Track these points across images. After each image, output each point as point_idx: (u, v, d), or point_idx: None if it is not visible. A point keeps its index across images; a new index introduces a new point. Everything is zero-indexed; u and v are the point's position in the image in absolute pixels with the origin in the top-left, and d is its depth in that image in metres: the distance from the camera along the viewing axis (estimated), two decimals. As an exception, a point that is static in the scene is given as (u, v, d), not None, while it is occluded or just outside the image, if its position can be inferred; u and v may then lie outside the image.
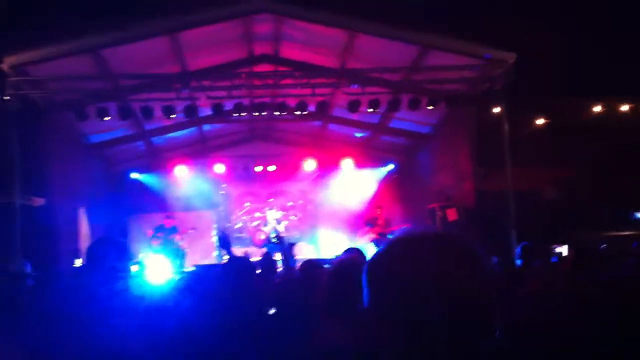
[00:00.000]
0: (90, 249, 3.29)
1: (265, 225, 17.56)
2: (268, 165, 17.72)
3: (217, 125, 16.76)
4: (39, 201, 13.17)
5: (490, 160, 12.87)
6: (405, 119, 15.17)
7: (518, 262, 6.96)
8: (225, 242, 5.89)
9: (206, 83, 12.52)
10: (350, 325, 2.58)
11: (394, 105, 12.83)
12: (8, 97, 11.31)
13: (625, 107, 12.84)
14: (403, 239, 1.39)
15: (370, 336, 1.38)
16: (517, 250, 7.12)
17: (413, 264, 1.30)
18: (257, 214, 18.01)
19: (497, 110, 12.58)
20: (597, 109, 12.75)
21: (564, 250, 10.62)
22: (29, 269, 7.14)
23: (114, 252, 3.22)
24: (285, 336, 3.14)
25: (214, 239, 17.37)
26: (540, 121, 13.43)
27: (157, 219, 15.98)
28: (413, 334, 1.27)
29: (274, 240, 15.56)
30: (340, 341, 2.54)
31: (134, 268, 7.70)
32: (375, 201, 17.45)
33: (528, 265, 6.64)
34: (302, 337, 2.77)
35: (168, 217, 15.65)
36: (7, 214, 11.37)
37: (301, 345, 2.67)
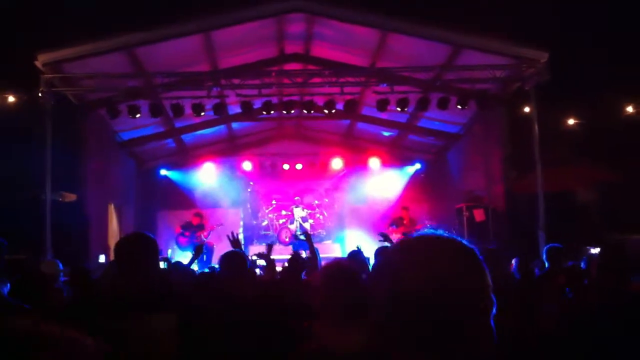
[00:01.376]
0: (122, 245, 3.31)
1: (291, 223, 17.61)
2: (295, 164, 17.76)
3: (246, 124, 16.83)
4: (71, 197, 13.35)
5: (521, 161, 12.73)
6: (434, 119, 15.10)
7: (546, 265, 6.87)
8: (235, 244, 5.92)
9: (236, 81, 12.58)
10: (344, 326, 2.59)
11: (423, 105, 12.77)
12: (41, 94, 11.50)
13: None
14: (406, 242, 1.44)
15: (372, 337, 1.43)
16: (543, 252, 7.01)
17: (413, 265, 1.33)
18: (284, 212, 18.04)
19: (528, 110, 12.44)
20: (631, 109, 12.54)
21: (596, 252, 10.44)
22: (60, 266, 7.25)
23: (143, 247, 3.24)
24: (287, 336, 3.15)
25: (240, 236, 17.45)
26: (572, 121, 13.23)
27: (186, 215, 16.11)
28: (410, 332, 1.30)
29: (301, 237, 15.58)
30: (335, 343, 2.55)
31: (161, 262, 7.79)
32: (402, 201, 17.37)
33: (554, 268, 6.55)
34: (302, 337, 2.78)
35: (196, 214, 15.78)
36: (39, 209, 11.55)
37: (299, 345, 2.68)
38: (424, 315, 1.29)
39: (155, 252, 3.29)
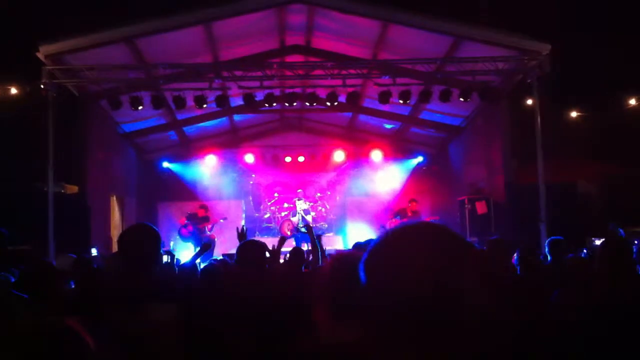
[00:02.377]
0: (126, 236, 3.31)
1: (293, 215, 17.61)
2: (298, 156, 17.78)
3: (248, 116, 16.83)
4: (73, 189, 13.35)
5: (523, 153, 12.72)
6: (436, 111, 15.07)
7: (549, 257, 6.86)
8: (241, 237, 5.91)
9: (238, 73, 12.56)
10: (349, 319, 2.57)
11: (425, 97, 12.74)
12: (42, 86, 11.48)
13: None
14: (395, 230, 1.42)
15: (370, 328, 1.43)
16: (545, 245, 7.00)
17: (402, 253, 1.33)
18: (286, 204, 18.05)
19: (530, 102, 12.41)
20: (634, 101, 12.51)
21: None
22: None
23: (147, 239, 3.24)
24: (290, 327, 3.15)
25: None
26: (575, 114, 13.21)
27: (187, 207, 16.13)
28: (403, 317, 1.30)
29: (302, 229, 15.62)
30: (334, 336, 2.54)
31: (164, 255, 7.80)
32: (404, 193, 17.38)
33: (557, 260, 6.53)
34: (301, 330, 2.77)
35: (202, 206, 15.79)
36: (41, 201, 11.56)
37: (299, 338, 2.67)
38: (420, 308, 1.28)
39: (158, 244, 3.29)
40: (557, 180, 12.73)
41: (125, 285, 3.16)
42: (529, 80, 12.14)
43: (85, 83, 12.49)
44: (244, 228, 6.03)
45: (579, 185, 13.43)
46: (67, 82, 12.07)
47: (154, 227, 3.32)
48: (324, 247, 6.52)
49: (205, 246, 6.75)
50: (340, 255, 3.02)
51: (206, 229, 15.19)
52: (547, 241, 7.00)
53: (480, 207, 13.96)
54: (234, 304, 3.83)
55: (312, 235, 6.27)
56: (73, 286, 5.53)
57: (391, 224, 15.31)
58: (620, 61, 13.17)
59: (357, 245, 6.57)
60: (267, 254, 5.89)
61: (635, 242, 8.09)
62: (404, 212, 15.39)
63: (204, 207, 15.74)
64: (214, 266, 5.53)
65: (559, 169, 12.89)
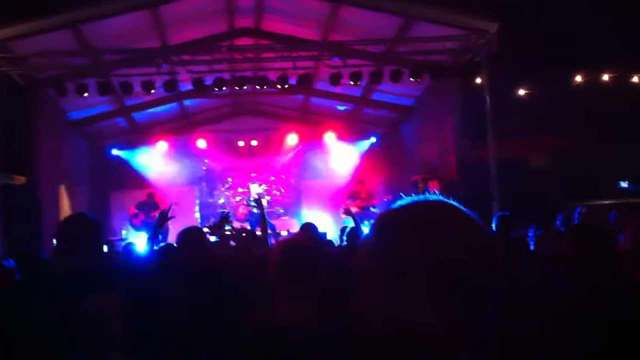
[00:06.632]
0: (62, 227, 3.24)
1: (248, 200, 17.54)
2: (251, 140, 17.68)
3: (199, 100, 16.61)
4: (21, 180, 13.00)
5: (474, 131, 12.85)
6: (388, 92, 15.12)
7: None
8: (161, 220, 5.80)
9: (186, 57, 12.38)
10: (306, 301, 2.58)
11: (376, 78, 12.77)
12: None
13: (606, 77, 12.88)
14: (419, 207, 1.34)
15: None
16: (493, 221, 7.08)
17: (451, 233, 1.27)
18: (240, 189, 17.98)
19: (479, 81, 12.54)
20: (579, 78, 12.75)
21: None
22: (12, 264, 7.01)
23: (85, 228, 3.17)
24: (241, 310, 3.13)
25: (197, 215, 17.46)
26: (523, 91, 13.39)
27: (140, 195, 15.90)
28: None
29: (252, 203, 15.61)
30: (295, 317, 2.55)
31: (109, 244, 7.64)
32: (358, 174, 17.45)
33: (503, 236, 6.63)
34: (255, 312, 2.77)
35: (150, 193, 15.60)
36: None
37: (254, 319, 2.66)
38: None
39: (95, 233, 3.22)
40: (509, 157, 12.90)
41: (63, 277, 3.09)
42: (478, 59, 12.27)
43: (30, 71, 12.15)
44: (170, 209, 5.92)
45: (530, 162, 13.64)
46: (10, 70, 11.71)
47: (92, 216, 3.25)
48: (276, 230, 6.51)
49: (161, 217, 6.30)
50: (288, 241, 3.03)
51: (157, 216, 15.00)
52: (494, 217, 7.11)
53: (433, 187, 14.10)
54: (176, 287, 3.79)
55: (262, 208, 6.23)
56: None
57: (346, 205, 15.35)
58: (567, 39, 13.37)
59: (305, 226, 6.60)
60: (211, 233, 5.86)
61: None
62: (357, 194, 15.45)
63: (152, 194, 15.56)
64: (163, 250, 5.48)
65: (510, 146, 13.05)
